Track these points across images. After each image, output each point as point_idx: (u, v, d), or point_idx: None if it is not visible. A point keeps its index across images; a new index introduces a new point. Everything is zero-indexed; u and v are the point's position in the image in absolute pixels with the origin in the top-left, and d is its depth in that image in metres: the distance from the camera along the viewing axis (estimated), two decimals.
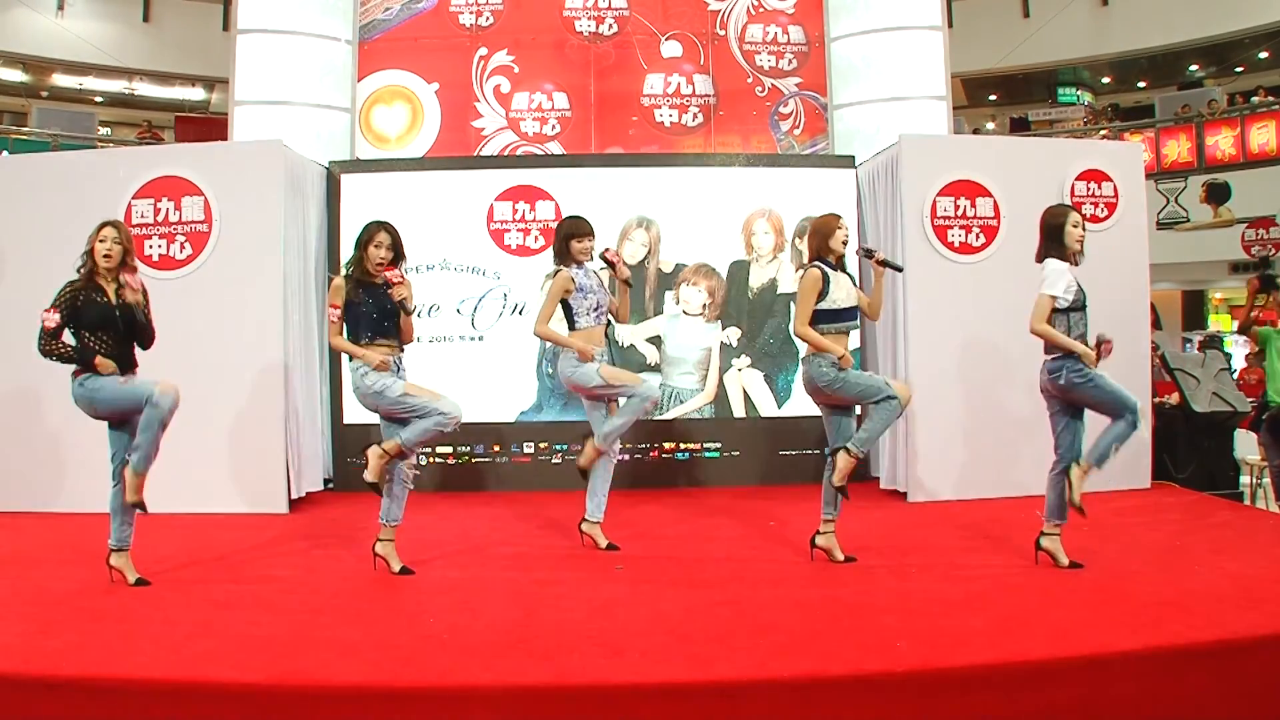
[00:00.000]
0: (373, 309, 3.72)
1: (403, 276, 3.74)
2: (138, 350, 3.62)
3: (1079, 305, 3.61)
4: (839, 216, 3.86)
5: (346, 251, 5.73)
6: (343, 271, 3.83)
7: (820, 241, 3.82)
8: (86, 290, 3.48)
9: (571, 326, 4.08)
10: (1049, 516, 3.66)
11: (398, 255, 3.78)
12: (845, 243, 3.82)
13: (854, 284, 3.89)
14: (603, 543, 4.12)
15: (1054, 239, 3.66)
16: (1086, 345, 3.59)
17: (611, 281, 4.15)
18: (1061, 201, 4.63)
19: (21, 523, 4.82)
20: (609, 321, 4.17)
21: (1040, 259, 3.70)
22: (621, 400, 4.05)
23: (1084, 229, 3.67)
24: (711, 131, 6.87)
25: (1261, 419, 5.02)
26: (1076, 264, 3.68)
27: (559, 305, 4.04)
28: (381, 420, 3.76)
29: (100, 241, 3.47)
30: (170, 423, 3.47)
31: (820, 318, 3.76)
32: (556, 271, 4.08)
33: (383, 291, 3.71)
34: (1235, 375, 6.48)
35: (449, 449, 5.76)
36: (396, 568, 3.72)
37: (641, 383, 4.03)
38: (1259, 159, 11.31)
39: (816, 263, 3.82)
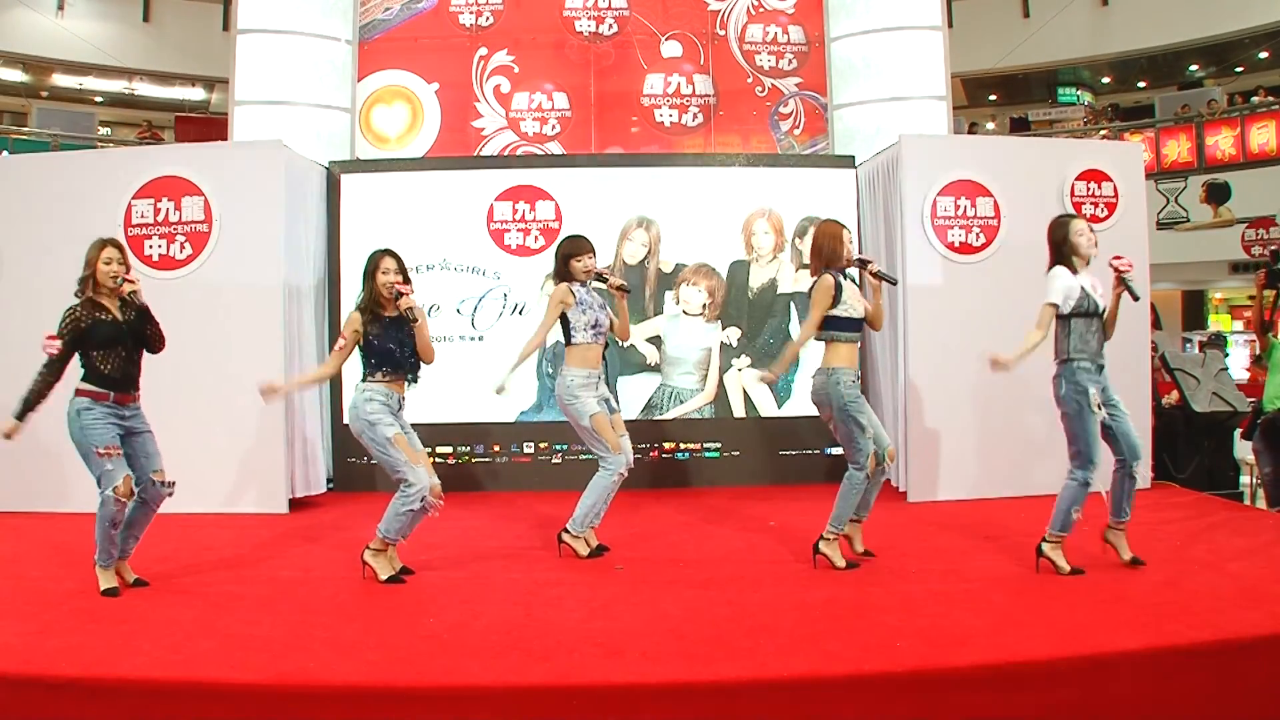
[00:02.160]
0: (386, 341, 3.66)
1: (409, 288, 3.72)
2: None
3: (1083, 311, 3.60)
4: (843, 225, 3.83)
5: (347, 251, 5.78)
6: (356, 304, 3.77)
7: (832, 251, 3.78)
8: (89, 311, 3.47)
9: (569, 341, 4.06)
10: (1052, 527, 3.62)
11: (404, 280, 3.73)
12: (852, 247, 3.80)
13: (859, 292, 3.85)
14: (583, 551, 4.07)
15: (1065, 248, 3.67)
16: (1100, 354, 3.60)
17: (610, 299, 4.13)
18: (1064, 210, 4.69)
19: (21, 523, 4.83)
20: (607, 343, 4.14)
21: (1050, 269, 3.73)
22: (598, 471, 4.04)
23: (1090, 230, 3.69)
24: (711, 131, 6.87)
25: (1256, 425, 5.01)
26: (1086, 265, 3.69)
27: (559, 319, 4.03)
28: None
29: (105, 264, 3.46)
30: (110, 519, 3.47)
31: (834, 324, 3.76)
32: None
33: (394, 323, 3.67)
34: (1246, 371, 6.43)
35: (449, 449, 5.76)
36: (384, 576, 3.69)
37: (619, 451, 4.01)
38: (1259, 159, 11.32)
39: (829, 271, 3.78)
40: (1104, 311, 3.64)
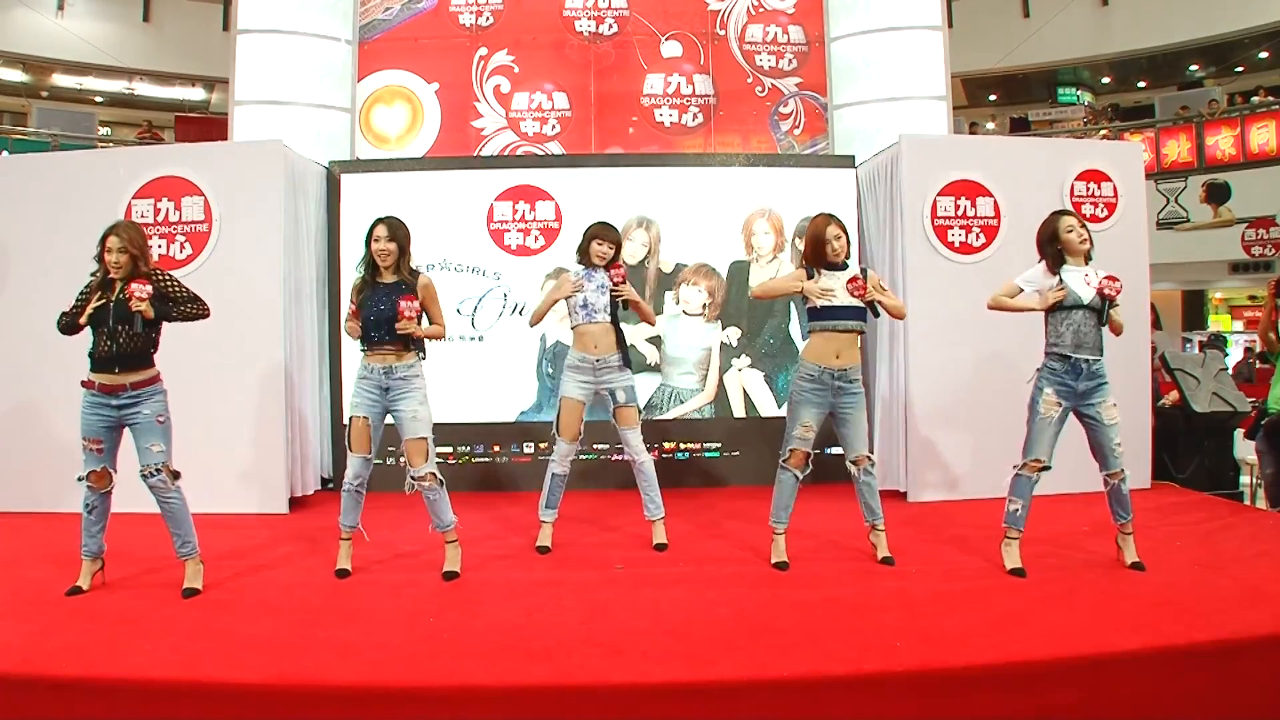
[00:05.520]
0: (368, 313, 3.70)
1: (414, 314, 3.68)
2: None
3: (1077, 304, 3.62)
4: (829, 223, 3.79)
5: (347, 251, 5.79)
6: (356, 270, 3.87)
7: (814, 248, 3.80)
8: (99, 289, 3.50)
9: (571, 324, 4.19)
10: (1120, 519, 3.73)
11: (400, 247, 3.74)
12: (840, 245, 3.75)
13: (862, 281, 3.77)
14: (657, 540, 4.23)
15: (1051, 248, 3.70)
16: (1081, 349, 3.61)
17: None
18: (1061, 207, 4.75)
19: (21, 523, 4.82)
20: (617, 329, 4.17)
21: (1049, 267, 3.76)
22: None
23: (1082, 228, 3.68)
24: (711, 131, 6.87)
25: (1259, 425, 5.01)
26: (1086, 262, 3.70)
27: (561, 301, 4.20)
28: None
29: (108, 253, 3.47)
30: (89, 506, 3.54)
31: (809, 315, 3.82)
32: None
33: (380, 290, 3.71)
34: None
35: (449, 449, 5.76)
36: (453, 568, 3.75)
37: (563, 439, 4.14)
38: (1259, 159, 11.34)
39: (805, 267, 3.85)
40: (1091, 305, 3.62)
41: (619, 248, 4.20)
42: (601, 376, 4.12)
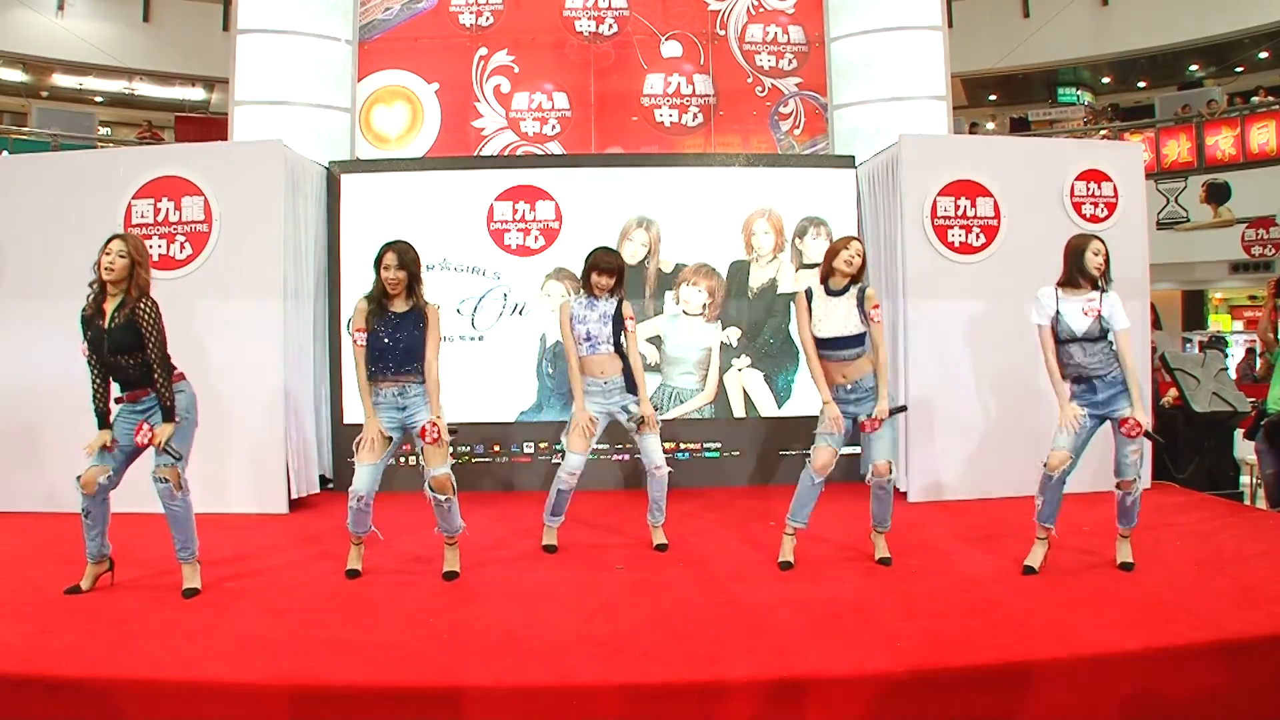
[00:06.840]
0: (379, 340, 3.64)
1: (438, 433, 3.67)
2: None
3: (1071, 338, 3.63)
4: (850, 239, 3.81)
5: (347, 251, 5.79)
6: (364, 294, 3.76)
7: (825, 263, 3.82)
8: (91, 315, 3.47)
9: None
10: (1122, 525, 3.73)
11: (411, 274, 3.65)
12: (850, 263, 3.73)
13: (859, 312, 3.73)
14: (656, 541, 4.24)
15: (1075, 264, 3.68)
16: (1093, 370, 3.61)
17: (616, 316, 4.11)
18: (1064, 211, 4.74)
19: (21, 523, 4.83)
20: (621, 353, 4.12)
21: (1060, 282, 3.74)
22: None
23: (1105, 258, 3.67)
24: (711, 131, 6.87)
25: (1259, 426, 5.01)
26: (1104, 287, 3.68)
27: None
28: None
29: (105, 254, 3.42)
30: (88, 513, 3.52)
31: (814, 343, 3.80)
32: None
33: (393, 320, 3.65)
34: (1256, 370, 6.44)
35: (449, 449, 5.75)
36: (453, 568, 3.77)
37: (572, 451, 4.11)
38: (1259, 159, 11.34)
39: (807, 286, 3.86)
40: (1090, 336, 3.62)
41: (621, 274, 4.14)
42: (611, 398, 4.12)
